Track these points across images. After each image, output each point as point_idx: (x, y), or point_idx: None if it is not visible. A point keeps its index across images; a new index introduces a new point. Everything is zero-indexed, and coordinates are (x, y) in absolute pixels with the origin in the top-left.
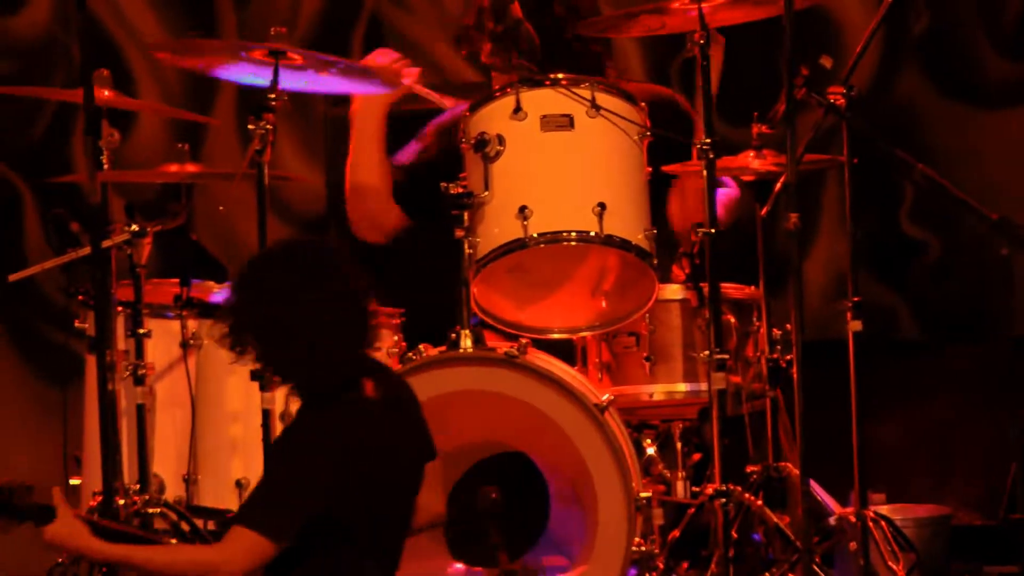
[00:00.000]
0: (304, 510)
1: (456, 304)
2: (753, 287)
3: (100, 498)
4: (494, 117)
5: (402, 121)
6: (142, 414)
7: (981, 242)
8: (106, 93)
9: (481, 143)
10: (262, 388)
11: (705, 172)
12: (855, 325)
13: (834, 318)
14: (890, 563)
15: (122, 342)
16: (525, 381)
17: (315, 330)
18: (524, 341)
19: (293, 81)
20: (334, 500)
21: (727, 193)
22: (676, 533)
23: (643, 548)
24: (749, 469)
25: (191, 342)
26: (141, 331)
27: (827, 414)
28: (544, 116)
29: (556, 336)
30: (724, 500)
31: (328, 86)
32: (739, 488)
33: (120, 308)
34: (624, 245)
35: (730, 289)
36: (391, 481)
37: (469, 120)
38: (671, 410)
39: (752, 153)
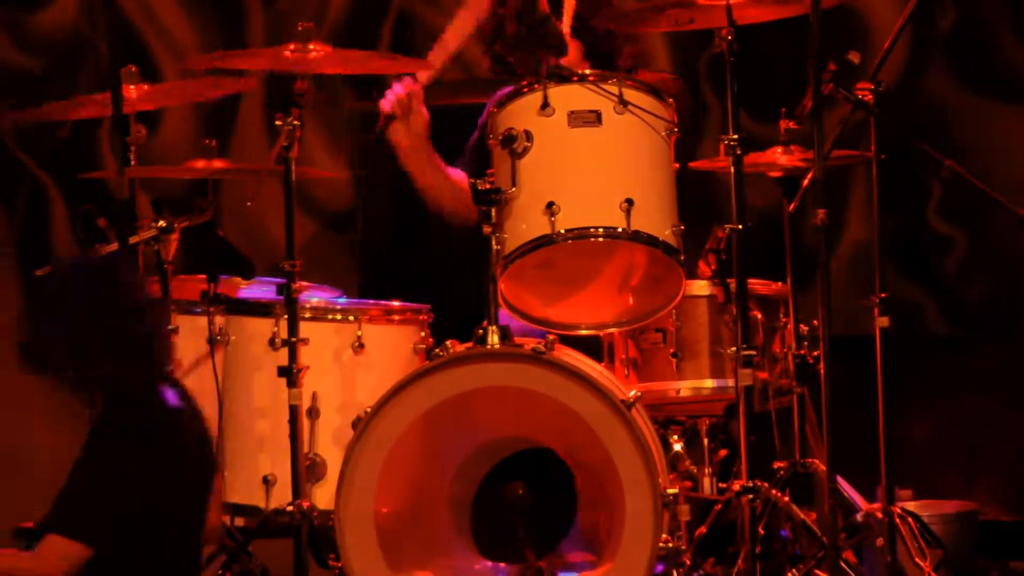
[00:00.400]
0: (113, 515)
1: (483, 300)
2: (780, 283)
3: None
4: (522, 113)
5: (445, 114)
6: None
7: (1008, 238)
8: (132, 89)
9: (508, 139)
10: (289, 384)
11: (732, 168)
12: (882, 321)
13: (861, 314)
14: (917, 559)
15: None
16: (552, 377)
17: (116, 343)
18: (551, 337)
19: None
20: (140, 505)
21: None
22: (703, 529)
23: (670, 544)
24: (776, 465)
25: (218, 338)
26: (168, 327)
27: (854, 410)
28: (572, 112)
29: (583, 332)
30: (751, 496)
31: None
32: (766, 484)
33: None
34: (651, 241)
35: (757, 285)
36: (191, 488)
37: (497, 116)
38: (698, 406)
39: (780, 149)
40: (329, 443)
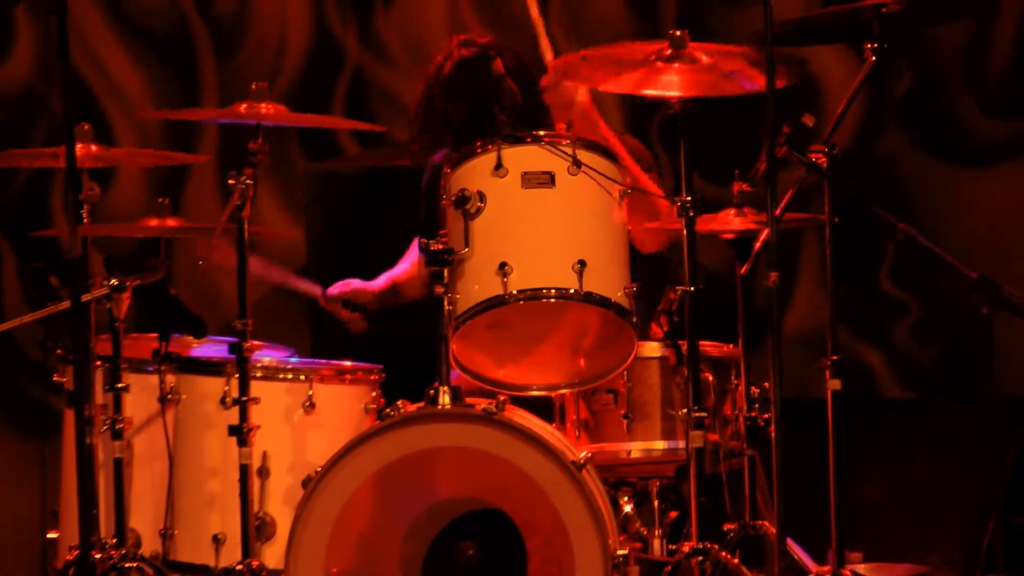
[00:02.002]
0: None
1: (435, 360)
2: (731, 345)
3: (77, 552)
4: (475, 173)
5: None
6: (119, 468)
7: (961, 301)
8: (94, 148)
9: (462, 199)
10: (240, 443)
11: (685, 230)
12: (834, 384)
13: (813, 377)
14: None
15: (100, 396)
16: (503, 438)
17: None
18: (502, 398)
19: None
20: None
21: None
22: None
23: None
24: (726, 527)
25: (169, 396)
26: (119, 385)
27: (806, 472)
28: (525, 173)
29: (535, 393)
30: (701, 558)
31: None
32: (716, 546)
33: (99, 362)
34: (603, 303)
35: (708, 347)
36: None
37: (450, 176)
38: (649, 468)
39: (733, 211)
40: (279, 502)
